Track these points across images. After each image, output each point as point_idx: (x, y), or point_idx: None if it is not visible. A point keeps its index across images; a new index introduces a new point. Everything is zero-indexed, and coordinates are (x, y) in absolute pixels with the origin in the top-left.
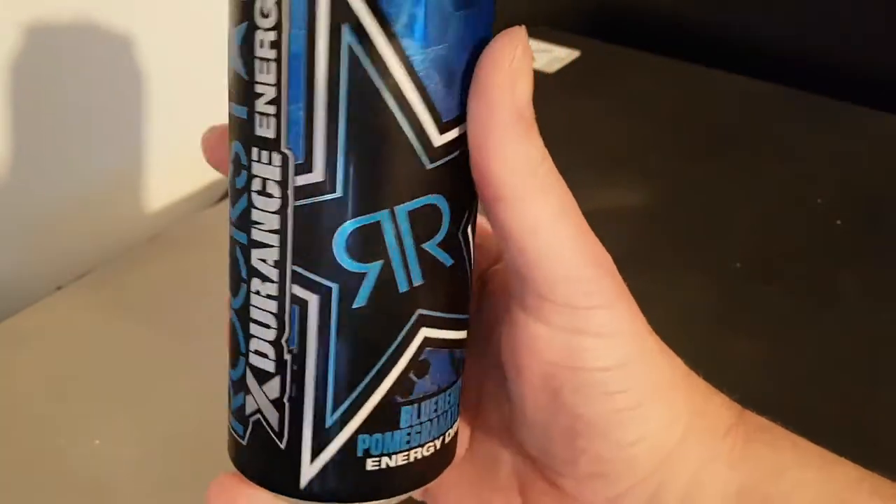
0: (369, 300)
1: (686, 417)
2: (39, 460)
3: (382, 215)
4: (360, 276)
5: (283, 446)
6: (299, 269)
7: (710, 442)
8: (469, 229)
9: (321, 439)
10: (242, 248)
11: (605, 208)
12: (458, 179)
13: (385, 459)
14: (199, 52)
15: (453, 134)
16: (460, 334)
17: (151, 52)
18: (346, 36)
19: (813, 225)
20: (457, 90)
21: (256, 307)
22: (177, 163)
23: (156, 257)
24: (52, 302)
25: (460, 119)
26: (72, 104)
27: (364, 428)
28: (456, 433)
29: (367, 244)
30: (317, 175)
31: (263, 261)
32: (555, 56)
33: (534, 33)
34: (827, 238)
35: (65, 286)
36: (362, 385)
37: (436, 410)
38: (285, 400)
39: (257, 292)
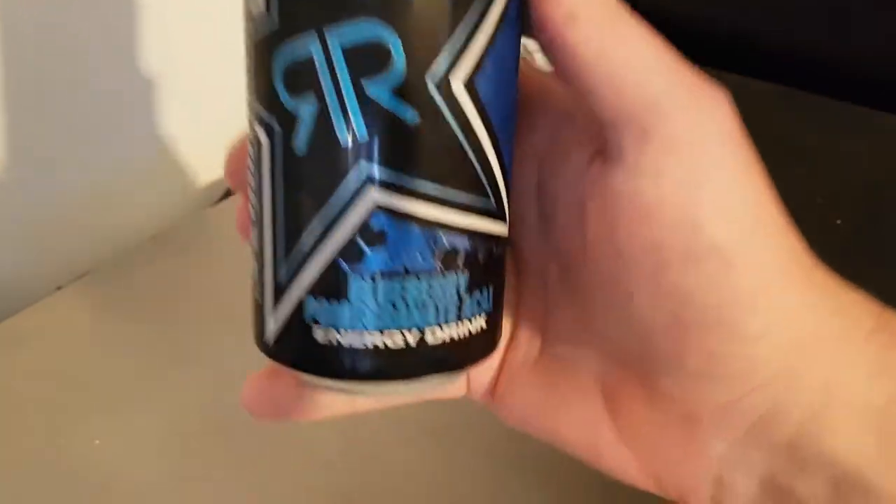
0: (309, 146)
1: (820, 311)
2: (39, 460)
3: (312, 43)
4: (296, 117)
5: (257, 298)
6: (256, 104)
7: (848, 344)
8: (458, 85)
9: (277, 294)
10: None
11: None
12: (415, 11)
13: (334, 334)
14: (200, 53)
15: None
16: (454, 217)
17: (152, 54)
18: None
19: (813, 225)
20: None
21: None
22: (177, 162)
23: (156, 257)
24: (52, 302)
25: None
26: (71, 105)
27: (311, 290)
28: (455, 341)
29: (301, 78)
30: (259, 3)
31: (248, 103)
32: None
33: (534, 33)
34: (827, 238)
35: (64, 286)
36: (307, 238)
37: (403, 296)
38: (257, 250)
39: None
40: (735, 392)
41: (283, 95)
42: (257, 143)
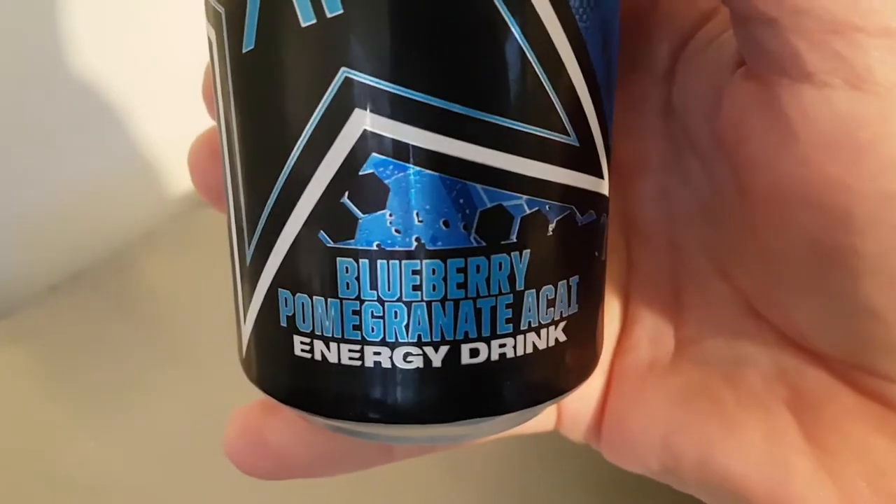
0: (258, 39)
1: None
2: (33, 461)
3: None
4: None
5: (234, 289)
6: None
7: None
8: None
9: (247, 288)
10: None
11: None
12: None
13: (319, 345)
14: (197, 49)
15: None
16: (503, 160)
17: (147, 49)
18: None
19: None
20: None
21: None
22: (172, 161)
23: (151, 256)
24: (46, 301)
25: None
26: (65, 102)
27: (282, 274)
28: (512, 361)
29: None
30: None
31: None
32: None
33: None
34: None
35: (59, 285)
36: (263, 191)
37: (417, 290)
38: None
39: None
40: None
41: None
42: (209, 44)
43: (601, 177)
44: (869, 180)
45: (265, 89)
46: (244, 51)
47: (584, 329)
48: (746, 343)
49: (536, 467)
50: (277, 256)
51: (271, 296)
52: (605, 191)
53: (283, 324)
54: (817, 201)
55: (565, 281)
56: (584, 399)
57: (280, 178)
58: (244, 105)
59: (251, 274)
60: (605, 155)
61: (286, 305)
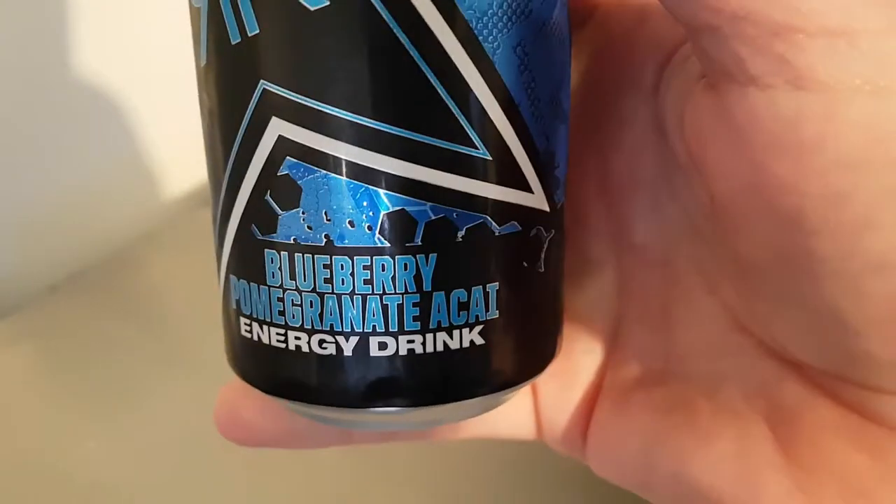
0: (207, 54)
1: None
2: (33, 461)
3: None
4: (199, 9)
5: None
6: None
7: None
8: None
9: (220, 270)
10: None
11: None
12: None
13: (255, 327)
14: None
15: None
16: (397, 166)
17: (146, 50)
18: None
19: None
20: None
21: None
22: (172, 161)
23: (150, 256)
24: (46, 302)
25: None
26: (65, 103)
27: (231, 262)
28: (420, 357)
29: None
30: None
31: None
32: None
33: None
34: None
35: (58, 286)
36: (217, 190)
37: (328, 283)
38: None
39: None
40: None
41: None
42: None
43: (529, 191)
44: (817, 180)
45: (213, 98)
46: (201, 64)
47: (509, 335)
48: (731, 358)
49: (537, 469)
50: (227, 246)
51: (226, 281)
52: (540, 205)
53: (234, 306)
54: (772, 206)
55: (481, 286)
56: (563, 411)
57: (225, 177)
58: (204, 111)
59: (218, 260)
60: (535, 170)
61: (234, 290)
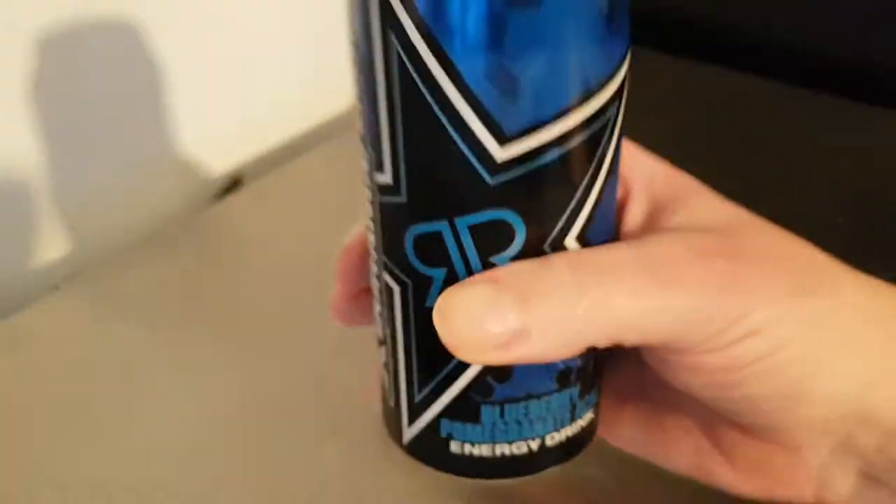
0: None
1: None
2: (34, 461)
3: (442, 226)
4: (429, 279)
5: (391, 404)
6: (385, 259)
7: None
8: (571, 241)
9: (413, 411)
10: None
11: None
12: (537, 193)
13: (468, 447)
14: (200, 54)
15: (523, 147)
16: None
17: (150, 54)
18: (394, 42)
19: (813, 225)
20: (526, 100)
21: (373, 277)
22: (174, 161)
23: (153, 257)
24: (49, 301)
25: (532, 129)
26: (70, 105)
27: (445, 413)
28: (570, 438)
29: (431, 251)
30: (386, 177)
31: (371, 243)
32: None
33: None
34: (827, 238)
35: (61, 285)
36: (440, 377)
37: (527, 415)
38: (389, 368)
39: (372, 268)
40: (820, 422)
41: (414, 262)
42: (387, 289)
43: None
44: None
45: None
46: (427, 305)
47: (600, 405)
48: (682, 402)
49: None
50: (443, 401)
51: None
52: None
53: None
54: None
55: (596, 388)
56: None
57: None
58: (425, 332)
59: (416, 408)
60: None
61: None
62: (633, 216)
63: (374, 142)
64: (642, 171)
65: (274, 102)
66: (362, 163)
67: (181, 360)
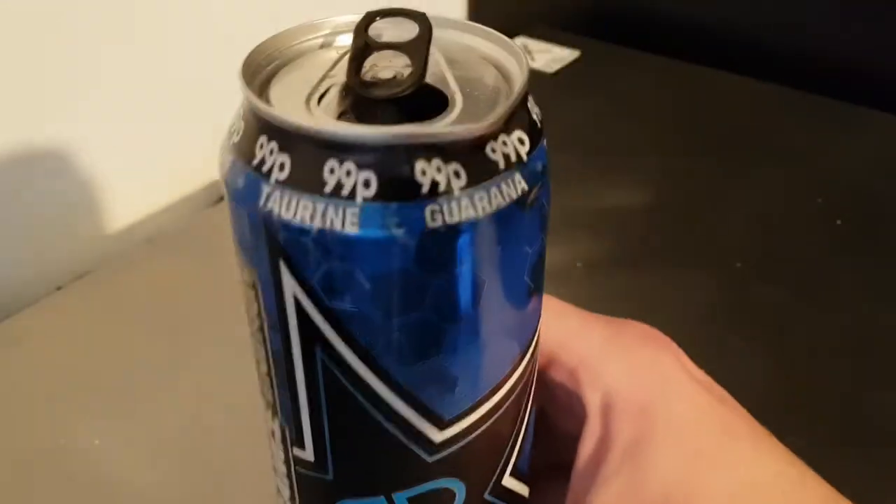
0: None
1: None
2: (39, 460)
3: (379, 501)
4: None
5: None
6: None
7: None
8: (507, 479)
9: None
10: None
11: (605, 208)
12: (475, 457)
13: None
14: (201, 55)
15: (461, 425)
16: None
17: (151, 54)
18: (319, 354)
19: (813, 225)
20: (466, 387)
21: None
22: (176, 163)
23: (155, 258)
24: (52, 302)
25: (472, 409)
26: (70, 105)
27: None
28: None
29: None
30: (308, 455)
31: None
32: (555, 56)
33: (534, 33)
34: (827, 238)
35: (64, 286)
36: None
37: None
38: None
39: None
40: None
41: None
42: None
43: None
44: None
45: None
46: None
47: None
48: None
49: None
50: None
51: None
52: None
53: None
54: None
55: None
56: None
57: None
58: None
59: None
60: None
61: None
62: (586, 450)
63: (290, 417)
64: (594, 384)
65: None
66: (270, 424)
67: (181, 361)
